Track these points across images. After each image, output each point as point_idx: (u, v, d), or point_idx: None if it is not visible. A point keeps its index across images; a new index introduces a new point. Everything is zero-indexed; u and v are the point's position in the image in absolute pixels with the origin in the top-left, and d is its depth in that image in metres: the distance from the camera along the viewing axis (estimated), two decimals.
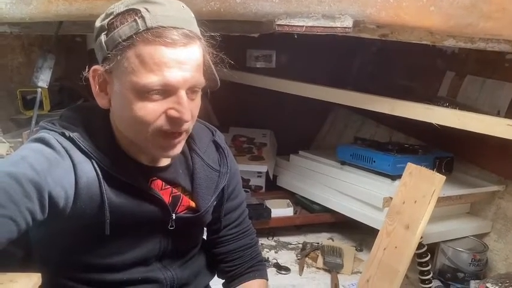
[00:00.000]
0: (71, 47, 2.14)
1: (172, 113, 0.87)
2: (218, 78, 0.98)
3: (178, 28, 0.85)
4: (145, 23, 0.83)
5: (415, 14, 1.35)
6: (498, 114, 1.94)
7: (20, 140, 1.63)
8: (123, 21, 0.85)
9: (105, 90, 0.92)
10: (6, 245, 0.81)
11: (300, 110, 2.64)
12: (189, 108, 0.89)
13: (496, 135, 1.48)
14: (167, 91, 0.86)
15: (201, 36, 0.91)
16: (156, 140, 0.90)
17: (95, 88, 0.92)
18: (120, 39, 0.84)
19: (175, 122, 0.88)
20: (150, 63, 0.83)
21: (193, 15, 0.92)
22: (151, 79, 0.84)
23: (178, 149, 0.94)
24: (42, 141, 0.90)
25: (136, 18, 0.84)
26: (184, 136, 0.94)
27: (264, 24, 1.42)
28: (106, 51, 0.87)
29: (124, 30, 0.84)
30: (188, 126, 0.92)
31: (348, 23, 1.34)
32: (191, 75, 0.87)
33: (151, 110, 0.86)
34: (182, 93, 0.87)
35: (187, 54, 0.86)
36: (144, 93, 0.85)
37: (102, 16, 0.90)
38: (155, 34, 0.83)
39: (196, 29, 0.90)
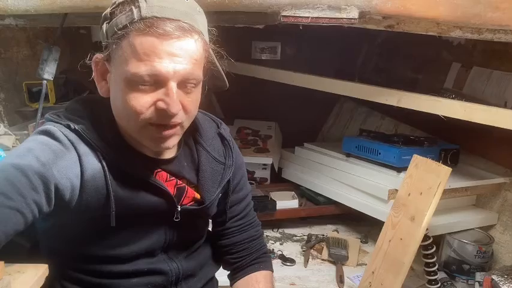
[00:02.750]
0: (76, 39, 2.14)
1: (161, 104, 0.87)
2: (225, 78, 0.98)
3: (173, 20, 0.84)
4: (140, 12, 0.83)
5: (422, 5, 1.34)
6: (505, 106, 1.93)
7: (26, 132, 1.64)
8: (122, 11, 0.86)
9: (105, 78, 0.93)
10: (14, 237, 0.81)
11: (305, 102, 2.63)
12: (182, 102, 0.88)
13: (502, 126, 1.46)
14: (157, 82, 0.86)
15: (201, 31, 0.90)
16: (146, 132, 0.90)
17: (96, 76, 0.93)
18: (116, 28, 0.85)
19: (163, 114, 0.87)
20: (141, 53, 0.84)
21: (198, 10, 0.91)
22: (140, 68, 0.84)
23: (170, 143, 0.93)
24: (48, 133, 0.90)
25: (133, 7, 0.84)
26: (179, 130, 0.93)
27: (269, 15, 1.41)
28: (105, 40, 0.88)
29: (121, 19, 0.85)
30: (181, 119, 0.91)
31: (354, 14, 1.33)
32: (183, 68, 0.86)
33: (141, 101, 0.86)
34: (172, 85, 0.86)
35: (180, 47, 0.85)
36: (134, 83, 0.85)
37: (110, 6, 0.90)
38: (148, 24, 0.83)
39: (197, 23, 0.89)
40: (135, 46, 0.84)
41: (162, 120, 0.88)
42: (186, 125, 0.95)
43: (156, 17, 0.83)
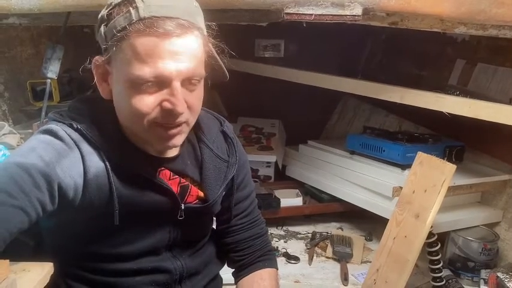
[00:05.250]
0: (79, 38, 2.14)
1: (166, 105, 0.87)
2: (226, 70, 0.98)
3: (173, 18, 0.84)
4: (138, 13, 0.83)
5: (426, 1, 1.33)
6: (510, 103, 1.92)
7: (30, 131, 1.64)
8: (119, 12, 0.85)
9: (106, 80, 0.92)
10: (18, 235, 0.81)
11: (309, 99, 2.62)
12: (186, 100, 0.88)
13: (508, 123, 1.46)
14: (161, 82, 0.86)
15: (201, 26, 0.90)
16: (153, 131, 0.90)
17: (97, 79, 0.92)
18: (115, 30, 0.84)
19: (169, 114, 0.87)
20: (143, 54, 0.83)
21: (196, 5, 0.91)
22: (143, 70, 0.83)
23: (177, 140, 0.93)
24: (51, 132, 0.90)
25: (131, 8, 0.83)
26: (185, 128, 0.93)
27: (272, 12, 1.40)
28: (104, 42, 0.87)
29: (119, 20, 0.84)
30: (186, 117, 0.91)
31: (358, 10, 1.32)
32: (186, 66, 0.86)
33: (146, 102, 0.86)
34: (176, 84, 0.86)
35: (181, 45, 0.85)
36: (138, 84, 0.85)
37: (105, 7, 0.90)
38: (147, 24, 0.82)
39: (196, 19, 0.88)
40: (136, 47, 0.83)
41: (168, 119, 0.88)
42: (192, 122, 0.95)
43: (155, 17, 0.83)
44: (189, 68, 0.86)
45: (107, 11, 0.88)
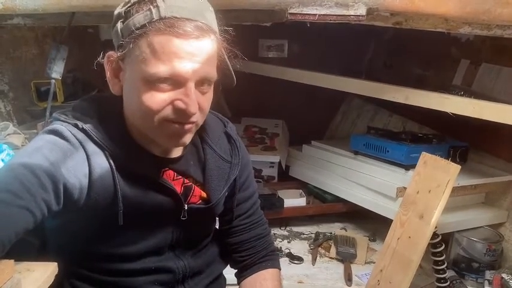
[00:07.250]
0: (83, 38, 2.15)
1: (179, 104, 0.87)
2: (234, 75, 0.98)
3: (192, 20, 0.85)
4: (159, 12, 0.83)
5: (430, 1, 1.33)
6: None
7: (34, 131, 1.64)
8: (139, 10, 0.85)
9: (118, 76, 0.93)
10: (23, 235, 0.82)
11: (313, 99, 2.62)
12: (198, 101, 0.89)
13: None
14: (176, 82, 0.86)
15: (216, 31, 0.91)
16: (162, 129, 0.90)
17: (108, 74, 0.93)
18: (133, 28, 0.85)
19: (181, 113, 0.88)
20: (160, 53, 0.84)
21: (211, 9, 0.92)
22: (160, 68, 0.84)
23: (185, 139, 0.94)
24: (56, 132, 0.91)
25: (151, 7, 0.84)
26: (193, 128, 0.94)
27: (276, 13, 1.40)
28: (121, 39, 0.88)
29: (138, 18, 0.85)
30: (196, 118, 0.91)
31: (362, 10, 1.32)
32: (201, 67, 0.86)
33: (158, 100, 0.87)
34: (191, 85, 0.87)
35: (199, 47, 0.86)
36: (152, 82, 0.85)
37: (122, 4, 0.90)
38: (167, 24, 0.83)
39: (212, 23, 0.90)
40: (154, 46, 0.84)
41: (179, 118, 0.89)
42: (200, 122, 0.96)
43: (176, 17, 0.83)
44: (204, 69, 0.87)
45: (124, 8, 0.88)
